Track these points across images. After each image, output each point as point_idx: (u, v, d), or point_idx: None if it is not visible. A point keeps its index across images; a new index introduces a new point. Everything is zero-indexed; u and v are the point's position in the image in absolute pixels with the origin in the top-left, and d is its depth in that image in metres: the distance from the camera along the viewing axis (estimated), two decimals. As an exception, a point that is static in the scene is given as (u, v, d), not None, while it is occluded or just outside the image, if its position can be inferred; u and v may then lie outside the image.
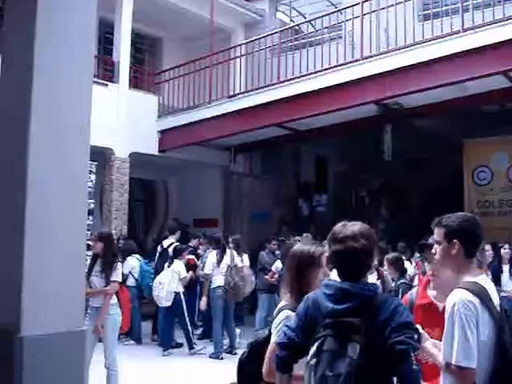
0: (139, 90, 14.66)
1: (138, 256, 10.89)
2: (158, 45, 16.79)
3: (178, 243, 10.76)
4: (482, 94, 11.18)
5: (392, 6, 11.17)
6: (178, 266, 10.03)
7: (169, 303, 9.80)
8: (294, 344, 2.71)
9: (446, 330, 2.71)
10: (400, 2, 11.18)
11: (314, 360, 2.50)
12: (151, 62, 16.71)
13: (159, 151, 14.28)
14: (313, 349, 2.53)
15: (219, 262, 9.93)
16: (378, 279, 8.39)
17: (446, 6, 10.65)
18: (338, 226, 2.75)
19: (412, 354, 2.44)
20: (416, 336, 2.54)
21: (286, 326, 2.86)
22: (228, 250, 10.16)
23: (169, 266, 9.99)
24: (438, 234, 2.95)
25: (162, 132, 14.31)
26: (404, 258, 8.98)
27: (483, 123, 13.57)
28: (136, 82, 15.18)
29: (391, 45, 11.22)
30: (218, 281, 9.89)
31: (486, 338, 2.65)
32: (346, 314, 2.53)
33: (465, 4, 10.28)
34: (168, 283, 9.78)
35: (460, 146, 14.00)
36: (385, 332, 2.47)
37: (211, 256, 10.17)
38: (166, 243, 10.81)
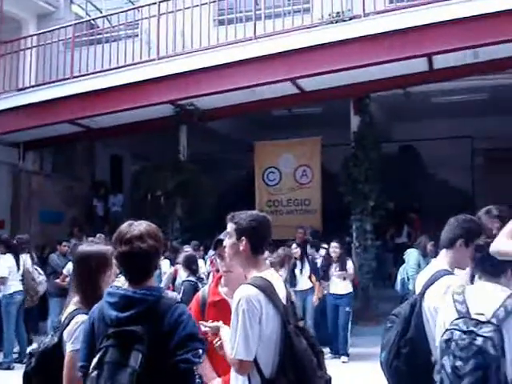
0: None
1: None
2: None
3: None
4: (272, 99, 11.77)
5: (188, 8, 11.33)
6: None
7: None
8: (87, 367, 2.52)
9: (231, 324, 2.82)
10: (196, 6, 11.38)
11: (96, 372, 2.38)
12: None
13: None
14: (94, 360, 2.41)
15: (17, 266, 9.42)
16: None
17: (240, 12, 11.03)
18: (125, 226, 2.65)
19: (195, 368, 2.48)
20: (201, 350, 2.50)
21: (76, 349, 2.75)
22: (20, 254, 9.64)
23: None
24: (229, 228, 3.06)
25: None
26: (197, 256, 9.18)
27: (273, 126, 14.28)
28: None
29: (187, 47, 11.38)
30: (14, 286, 9.37)
31: (270, 331, 2.78)
32: (130, 321, 2.44)
33: (257, 12, 10.75)
34: None
35: (252, 148, 14.58)
36: (168, 343, 2.43)
37: (6, 259, 9.53)
38: None
